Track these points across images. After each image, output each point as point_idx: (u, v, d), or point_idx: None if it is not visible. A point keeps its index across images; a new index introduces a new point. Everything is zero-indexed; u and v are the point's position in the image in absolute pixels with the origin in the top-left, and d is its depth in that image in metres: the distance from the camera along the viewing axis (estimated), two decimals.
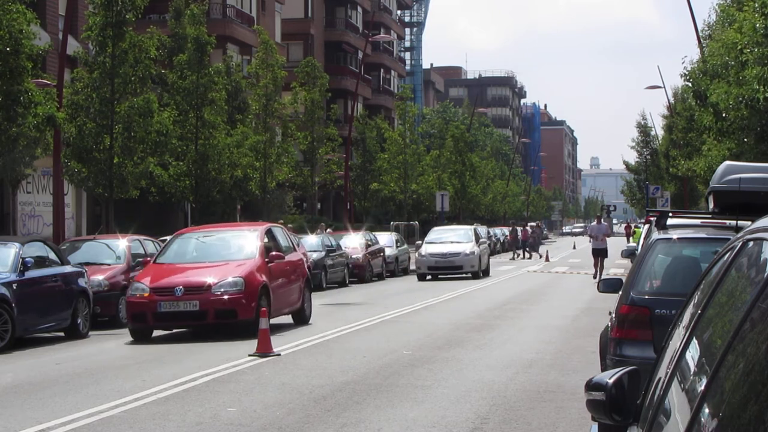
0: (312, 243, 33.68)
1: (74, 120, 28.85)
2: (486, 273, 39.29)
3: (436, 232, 40.47)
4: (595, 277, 33.48)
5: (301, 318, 20.37)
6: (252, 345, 15.32)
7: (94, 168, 29.43)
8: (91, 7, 30.32)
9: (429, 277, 37.50)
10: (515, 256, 62.15)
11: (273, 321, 18.30)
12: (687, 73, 28.68)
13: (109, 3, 29.19)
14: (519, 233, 64.20)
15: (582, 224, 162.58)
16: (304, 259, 21.40)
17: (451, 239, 38.31)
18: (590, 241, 40.60)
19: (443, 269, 37.09)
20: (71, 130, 28.70)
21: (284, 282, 19.43)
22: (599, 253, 36.44)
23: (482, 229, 71.61)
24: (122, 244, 22.72)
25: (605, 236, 37.10)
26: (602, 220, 38.56)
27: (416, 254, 38.25)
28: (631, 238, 51.00)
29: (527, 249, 63.44)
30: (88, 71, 29.86)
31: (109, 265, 21.99)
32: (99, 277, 20.99)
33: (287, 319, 20.42)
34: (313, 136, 48.24)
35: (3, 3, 23.20)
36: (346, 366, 13.86)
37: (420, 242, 41.01)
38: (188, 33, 37.88)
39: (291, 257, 20.28)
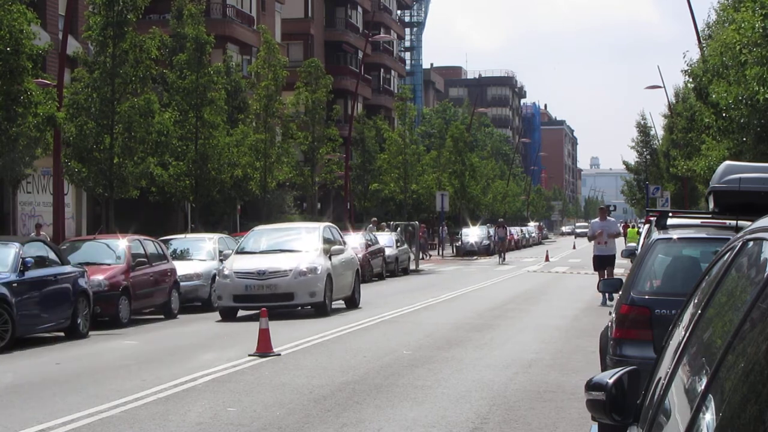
0: None
1: (74, 120, 28.85)
2: (352, 303, 24.77)
3: (258, 235, 24.37)
4: (611, 300, 22.29)
5: None
6: (252, 345, 15.32)
7: (94, 168, 29.44)
8: (92, 7, 30.31)
9: (240, 312, 22.71)
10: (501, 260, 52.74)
11: None
12: (689, 69, 28.68)
13: (110, 3, 29.19)
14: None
15: (584, 223, 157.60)
16: None
17: (280, 246, 23.47)
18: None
19: (259, 299, 21.54)
20: (71, 130, 28.70)
21: None
22: (605, 263, 25.44)
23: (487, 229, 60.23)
24: (122, 244, 22.72)
25: (613, 237, 25.83)
26: (607, 215, 26.57)
27: (218, 273, 23.18)
28: (626, 238, 48.38)
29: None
30: (88, 71, 29.86)
31: (109, 265, 21.98)
32: (99, 277, 20.99)
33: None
34: (314, 136, 48.29)
35: (3, 3, 23.22)
36: (346, 366, 13.87)
37: (230, 251, 25.18)
38: (187, 33, 37.92)
39: None
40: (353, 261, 25.47)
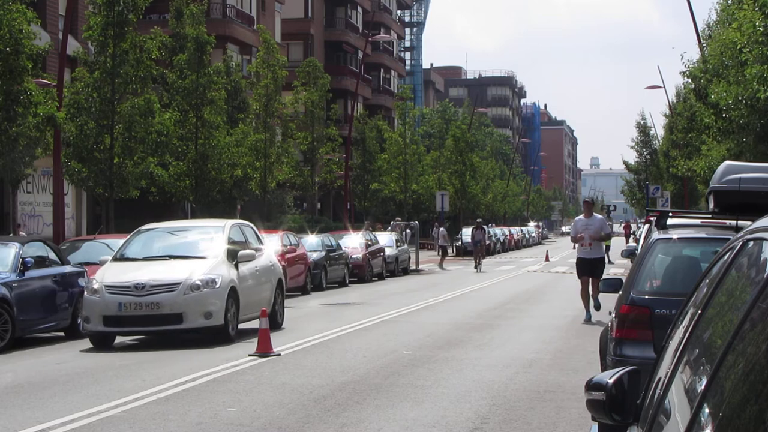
0: (312, 243, 33.70)
1: (75, 120, 28.87)
2: (273, 323, 18.35)
3: (144, 237, 19.04)
4: (595, 319, 19.69)
5: None
6: (252, 345, 15.32)
7: (94, 168, 29.44)
8: (92, 7, 30.33)
9: (117, 338, 17.71)
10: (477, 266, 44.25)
11: None
12: (688, 70, 28.68)
13: (111, 3, 29.21)
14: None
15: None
16: None
17: (171, 251, 18.38)
18: (574, 247, 21.42)
19: (137, 323, 16.94)
20: (71, 129, 28.72)
21: None
22: (590, 269, 19.85)
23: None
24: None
25: (601, 238, 20.02)
26: (594, 211, 21.02)
27: (85, 288, 17.90)
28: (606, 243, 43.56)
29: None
30: (88, 71, 29.88)
31: None
32: None
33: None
34: (314, 136, 48.31)
35: (3, 3, 23.21)
36: (346, 366, 13.86)
37: (106, 258, 18.81)
38: (188, 33, 37.95)
39: None
40: (273, 269, 19.81)
